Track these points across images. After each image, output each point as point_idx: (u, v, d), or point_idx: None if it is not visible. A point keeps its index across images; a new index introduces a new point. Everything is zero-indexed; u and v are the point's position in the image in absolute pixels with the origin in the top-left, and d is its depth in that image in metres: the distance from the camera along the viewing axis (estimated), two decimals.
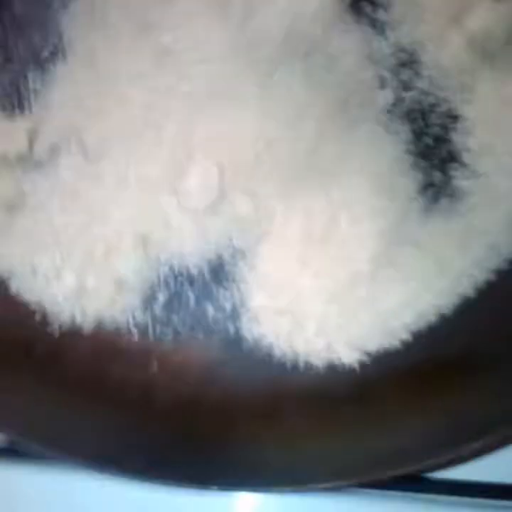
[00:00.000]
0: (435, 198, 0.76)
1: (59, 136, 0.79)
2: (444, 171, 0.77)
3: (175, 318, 0.75)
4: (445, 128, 0.78)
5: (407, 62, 0.80)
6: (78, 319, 0.75)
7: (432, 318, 0.73)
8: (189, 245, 0.76)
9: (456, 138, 0.78)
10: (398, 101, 0.78)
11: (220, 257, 0.76)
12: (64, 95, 0.80)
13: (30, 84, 0.80)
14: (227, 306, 0.75)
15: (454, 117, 0.78)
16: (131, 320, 0.75)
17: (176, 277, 0.76)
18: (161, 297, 0.76)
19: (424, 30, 0.80)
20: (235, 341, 0.74)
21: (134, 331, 0.75)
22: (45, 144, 0.78)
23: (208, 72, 0.75)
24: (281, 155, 0.74)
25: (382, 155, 0.76)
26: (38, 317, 0.75)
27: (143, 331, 0.75)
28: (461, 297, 0.73)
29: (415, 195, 0.76)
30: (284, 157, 0.74)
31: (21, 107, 0.81)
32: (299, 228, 0.75)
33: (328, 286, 0.73)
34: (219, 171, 0.74)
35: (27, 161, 0.79)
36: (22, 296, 0.76)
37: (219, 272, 0.76)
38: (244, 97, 0.74)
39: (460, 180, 0.77)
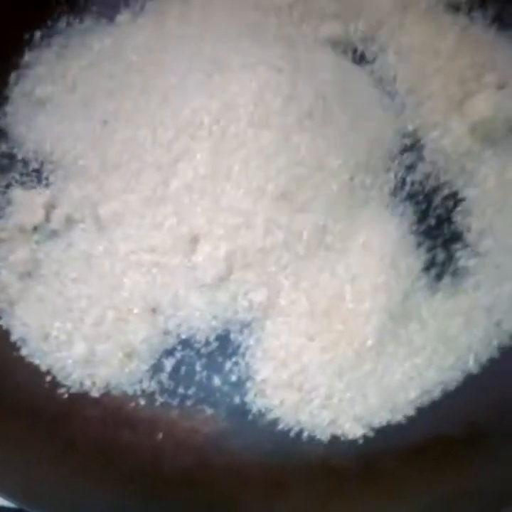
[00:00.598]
0: (439, 277, 0.79)
1: (75, 208, 0.82)
2: (447, 250, 0.80)
3: (181, 387, 0.76)
4: (448, 209, 0.82)
5: (411, 146, 0.84)
6: (87, 384, 0.76)
7: (435, 394, 0.74)
8: (197, 317, 0.78)
9: (459, 219, 0.81)
10: (402, 184, 0.82)
11: (227, 330, 0.78)
12: (81, 171, 0.83)
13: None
14: (234, 377, 0.76)
15: (457, 199, 0.81)
16: (138, 387, 0.76)
17: (183, 347, 0.78)
18: (168, 366, 0.77)
19: (428, 116, 0.84)
20: (241, 412, 0.75)
21: (141, 398, 0.76)
22: (61, 216, 0.81)
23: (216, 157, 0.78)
24: (289, 235, 0.76)
25: (387, 234, 0.79)
26: (47, 380, 0.76)
27: (150, 399, 0.76)
28: (465, 374, 0.74)
29: (420, 274, 0.78)
30: (292, 236, 0.76)
31: (39, 180, 0.84)
32: (304, 303, 0.76)
33: (334, 361, 0.74)
34: (227, 247, 0.76)
35: (43, 230, 0.81)
36: (33, 359, 0.77)
37: (226, 344, 0.77)
38: (254, 180, 0.77)
39: (463, 259, 0.79)
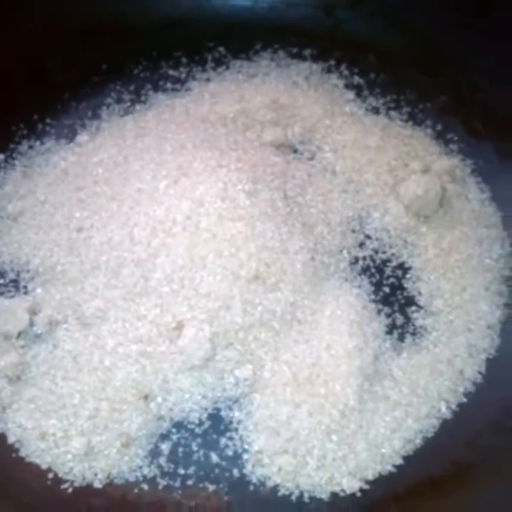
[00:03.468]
0: (401, 337, 0.88)
1: (57, 310, 0.86)
2: (404, 313, 0.89)
3: (181, 468, 0.79)
4: (399, 278, 0.92)
5: (357, 228, 0.94)
6: (89, 476, 0.77)
7: (417, 441, 0.80)
8: (187, 399, 0.82)
9: (410, 285, 0.91)
10: (356, 259, 0.92)
11: (217, 408, 0.82)
12: (60, 276, 0.88)
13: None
14: (230, 452, 0.80)
15: (405, 268, 0.92)
16: (139, 473, 0.78)
17: (178, 430, 0.81)
18: (166, 450, 0.80)
19: (367, 200, 0.96)
20: (242, 484, 0.78)
21: (144, 483, 0.78)
22: (45, 319, 0.85)
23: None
24: (265, 313, 0.84)
25: (350, 305, 0.88)
26: (49, 477, 0.77)
27: (152, 483, 0.78)
28: (440, 420, 0.82)
29: (384, 336, 0.87)
30: (268, 314, 0.84)
31: (18, 289, 0.89)
32: (287, 373, 0.83)
33: (322, 423, 0.79)
34: (210, 329, 0.82)
35: (27, 335, 0.85)
36: (32, 459, 0.78)
37: (218, 421, 0.81)
38: (228, 266, 0.84)
39: (420, 320, 0.89)
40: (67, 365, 0.83)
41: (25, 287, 0.89)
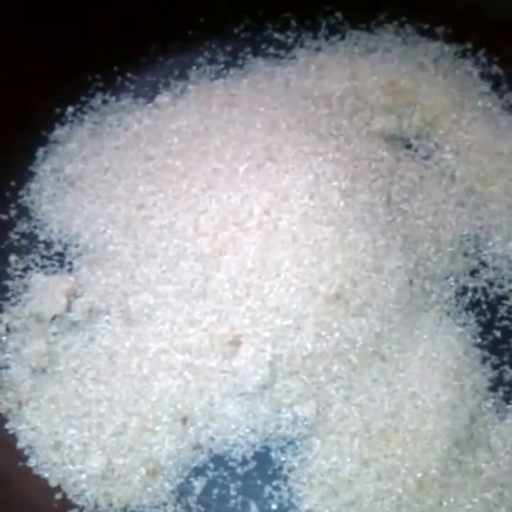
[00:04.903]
0: (507, 398, 0.71)
1: (101, 298, 0.73)
2: None
3: None
4: None
5: (472, 251, 0.77)
6: (102, 505, 0.65)
7: None
8: (233, 430, 0.69)
9: None
10: (464, 290, 0.76)
11: (267, 447, 0.68)
12: (111, 257, 0.75)
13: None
14: (274, 505, 0.66)
15: None
16: (161, 511, 0.65)
17: (216, 466, 0.68)
18: (198, 488, 0.67)
19: (489, 219, 0.79)
20: None
21: None
22: (84, 306, 0.73)
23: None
24: (342, 341, 0.68)
25: (449, 347, 0.71)
26: (57, 498, 0.66)
27: None
28: None
29: (486, 393, 0.70)
30: (345, 343, 0.68)
31: (62, 265, 0.77)
32: (358, 420, 0.68)
33: (392, 492, 0.64)
34: (272, 351, 0.68)
35: (62, 321, 0.73)
36: (41, 472, 0.66)
37: (266, 464, 0.68)
38: (306, 278, 0.70)
39: None
40: (100, 364, 0.71)
41: (70, 263, 0.77)
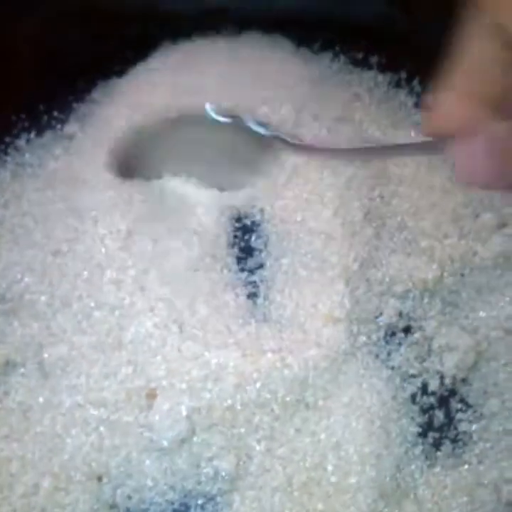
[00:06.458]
0: (437, 443, 0.68)
1: (16, 350, 0.70)
2: (447, 410, 0.69)
3: None
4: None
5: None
6: None
7: None
8: (150, 487, 0.65)
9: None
10: (393, 332, 0.73)
11: (185, 505, 0.65)
12: (27, 307, 0.72)
13: None
14: None
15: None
16: None
17: None
18: None
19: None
20: None
21: None
22: (0, 359, 0.70)
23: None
24: (264, 392, 0.65)
25: (377, 391, 0.68)
26: None
27: None
28: None
29: (415, 439, 0.67)
30: (267, 392, 0.65)
31: None
32: (280, 474, 0.65)
33: None
34: (189, 404, 0.65)
35: None
36: None
37: None
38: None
39: (465, 423, 0.69)
40: (13, 420, 0.67)
41: None
